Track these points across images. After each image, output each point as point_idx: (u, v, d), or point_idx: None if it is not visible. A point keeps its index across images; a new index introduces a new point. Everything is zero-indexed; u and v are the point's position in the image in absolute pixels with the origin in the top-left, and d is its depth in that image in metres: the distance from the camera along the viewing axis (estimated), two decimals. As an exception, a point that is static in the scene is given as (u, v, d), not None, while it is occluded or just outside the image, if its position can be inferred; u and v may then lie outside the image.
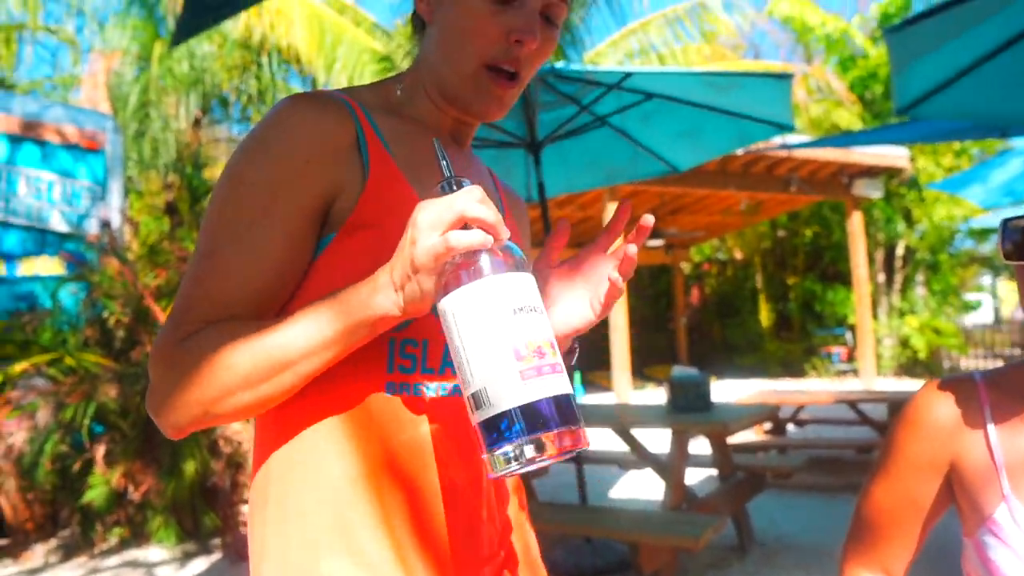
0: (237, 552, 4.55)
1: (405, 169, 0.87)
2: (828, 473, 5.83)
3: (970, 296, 17.25)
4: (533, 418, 0.65)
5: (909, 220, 14.31)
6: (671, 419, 3.76)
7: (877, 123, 14.00)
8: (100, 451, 4.77)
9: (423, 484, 0.83)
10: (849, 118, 13.54)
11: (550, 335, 0.70)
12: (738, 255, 18.15)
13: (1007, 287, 21.74)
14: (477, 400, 0.68)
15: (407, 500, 0.83)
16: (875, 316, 14.02)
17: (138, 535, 4.90)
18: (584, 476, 4.05)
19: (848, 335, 14.52)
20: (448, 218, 0.68)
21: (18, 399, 4.80)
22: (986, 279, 21.47)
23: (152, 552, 4.73)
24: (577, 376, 12.34)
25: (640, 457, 4.01)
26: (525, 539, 1.03)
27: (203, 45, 9.54)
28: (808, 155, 10.05)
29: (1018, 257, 0.92)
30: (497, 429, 0.66)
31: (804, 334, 15.53)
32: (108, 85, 10.76)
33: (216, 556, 4.63)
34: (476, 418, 0.68)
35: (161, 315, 5.11)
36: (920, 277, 14.82)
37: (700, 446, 5.23)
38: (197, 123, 10.57)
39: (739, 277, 17.84)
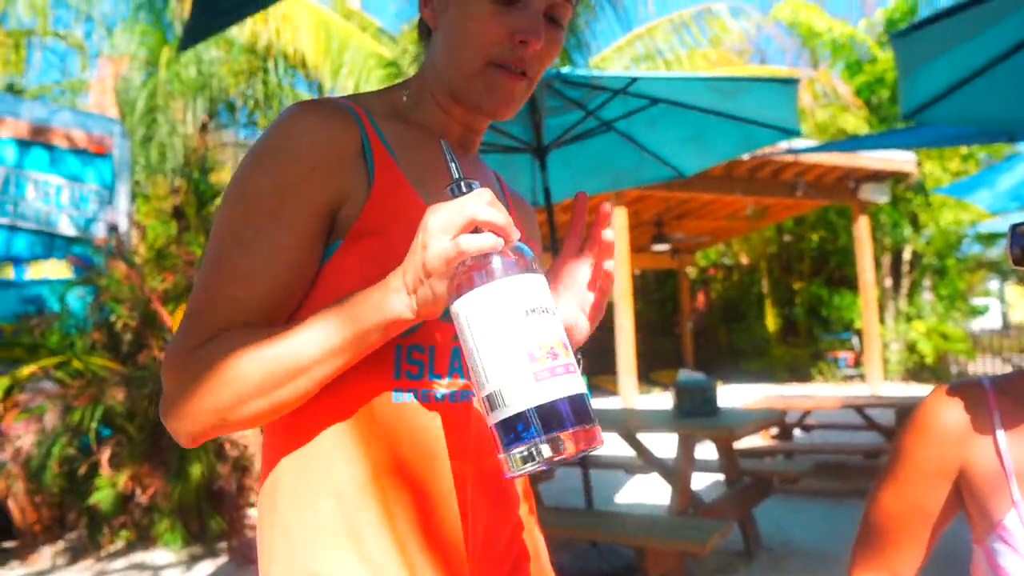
0: (243, 555, 4.55)
1: (410, 176, 0.87)
2: (835, 478, 5.81)
3: (977, 301, 17.19)
4: (548, 418, 0.66)
5: (916, 225, 14.27)
6: (677, 424, 3.75)
7: (883, 128, 13.98)
8: (107, 454, 4.78)
9: (431, 489, 0.84)
10: (855, 123, 13.52)
11: (563, 335, 0.70)
12: (744, 260, 18.12)
13: (1015, 292, 21.66)
14: (492, 401, 0.68)
15: (414, 505, 0.83)
16: (882, 321, 13.97)
17: (145, 538, 4.91)
18: (590, 480, 4.04)
19: (855, 340, 14.48)
20: (459, 222, 0.69)
21: (26, 402, 4.82)
22: (993, 284, 21.39)
23: (158, 555, 4.74)
24: (583, 380, 12.27)
25: (646, 462, 4.01)
26: (535, 544, 1.03)
27: (210, 50, 9.57)
28: (814, 160, 10.03)
29: (1027, 262, 0.92)
30: (513, 430, 0.67)
31: (811, 339, 15.49)
32: (116, 90, 10.82)
33: (222, 559, 4.63)
34: (492, 419, 0.69)
35: (168, 319, 5.13)
36: (927, 282, 14.77)
37: (706, 451, 5.22)
38: (204, 128, 10.61)
39: (745, 282, 17.82)
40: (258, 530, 0.88)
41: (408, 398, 0.83)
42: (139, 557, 4.72)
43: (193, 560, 4.64)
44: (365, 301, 0.75)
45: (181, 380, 0.78)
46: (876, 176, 11.32)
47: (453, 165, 0.75)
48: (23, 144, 5.93)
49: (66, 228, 6.06)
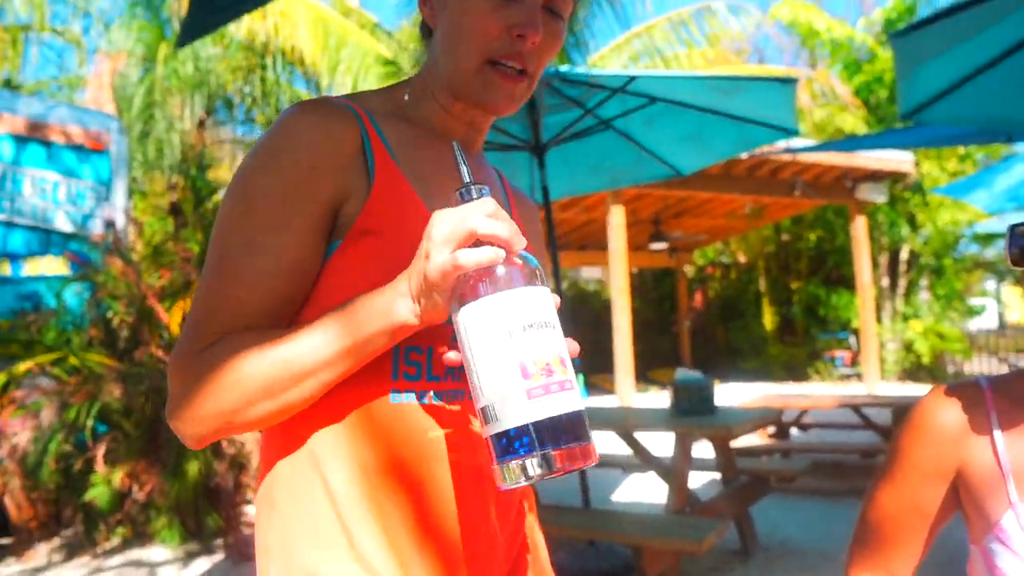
0: (240, 552, 4.55)
1: (410, 176, 0.87)
2: (832, 477, 5.82)
3: (974, 301, 17.21)
4: (539, 436, 0.66)
5: (913, 224, 14.28)
6: (674, 422, 3.75)
7: (881, 127, 13.98)
8: (102, 451, 4.77)
9: (427, 489, 0.84)
10: (853, 122, 13.52)
11: (560, 350, 0.70)
12: (742, 259, 18.13)
13: (1011, 292, 21.71)
14: (486, 414, 0.69)
15: (411, 505, 0.83)
16: (879, 320, 13.99)
17: (141, 535, 4.91)
18: (587, 479, 4.04)
19: (852, 339, 14.50)
20: (459, 235, 0.69)
21: (22, 398, 4.82)
22: (990, 284, 21.43)
23: (155, 552, 4.74)
24: (580, 379, 12.28)
25: (643, 460, 4.01)
26: (534, 543, 1.03)
27: (208, 47, 9.56)
28: (812, 159, 10.04)
29: (1026, 263, 0.92)
30: (505, 444, 0.67)
31: (808, 338, 15.51)
32: (113, 86, 10.79)
33: (219, 556, 4.63)
34: (486, 432, 0.69)
35: (165, 315, 5.12)
36: (924, 282, 14.79)
37: (703, 450, 5.22)
38: (201, 124, 10.59)
39: (743, 281, 17.82)
40: (256, 529, 0.88)
41: (406, 399, 0.83)
42: (135, 554, 4.71)
43: (190, 557, 4.64)
44: (372, 305, 0.75)
45: (187, 383, 0.78)
46: (874, 176, 11.33)
47: (464, 168, 0.75)
48: (20, 140, 5.91)
49: (63, 224, 6.05)
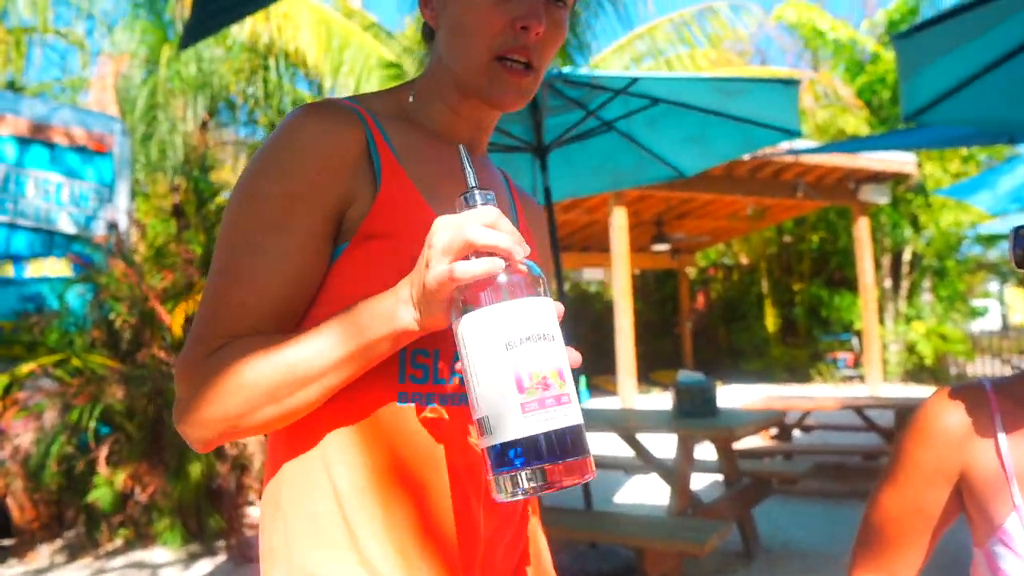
0: (242, 554, 4.55)
1: (416, 178, 0.87)
2: (834, 479, 5.82)
3: (977, 302, 17.19)
4: (534, 451, 0.65)
5: (916, 226, 14.27)
6: (677, 424, 3.75)
7: (884, 129, 13.97)
8: (104, 452, 4.78)
9: (432, 493, 0.84)
10: (856, 123, 13.51)
11: (559, 363, 0.68)
12: (744, 260, 18.12)
13: (1014, 293, 21.67)
14: (482, 426, 0.68)
15: (415, 508, 0.83)
16: (881, 322, 13.97)
17: (143, 536, 4.91)
18: (589, 481, 4.04)
19: (854, 341, 14.48)
20: (456, 245, 0.68)
21: (25, 400, 4.82)
22: (993, 285, 21.41)
23: (157, 553, 4.74)
24: (582, 380, 12.31)
25: (645, 462, 4.01)
26: (537, 547, 1.02)
27: (211, 49, 9.57)
28: (815, 160, 10.03)
29: (1030, 265, 0.91)
30: (500, 457, 0.66)
31: (810, 340, 15.49)
32: (116, 88, 10.82)
33: (221, 558, 4.63)
34: (481, 443, 0.69)
35: (167, 317, 5.12)
36: (927, 283, 14.77)
37: (705, 451, 5.22)
38: (204, 126, 10.61)
39: (745, 282, 17.81)
40: (260, 531, 0.88)
41: (412, 402, 0.83)
42: (138, 555, 4.72)
43: (192, 558, 4.64)
44: (375, 310, 0.75)
45: (193, 387, 0.78)
46: (876, 177, 11.32)
47: (469, 172, 0.74)
48: (23, 142, 5.92)
49: (66, 226, 6.06)
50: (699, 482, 5.52)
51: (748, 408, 5.64)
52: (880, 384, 11.42)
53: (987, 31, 2.79)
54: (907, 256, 14.57)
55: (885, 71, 14.11)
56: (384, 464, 0.82)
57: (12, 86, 11.95)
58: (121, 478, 4.72)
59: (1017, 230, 0.92)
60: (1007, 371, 13.85)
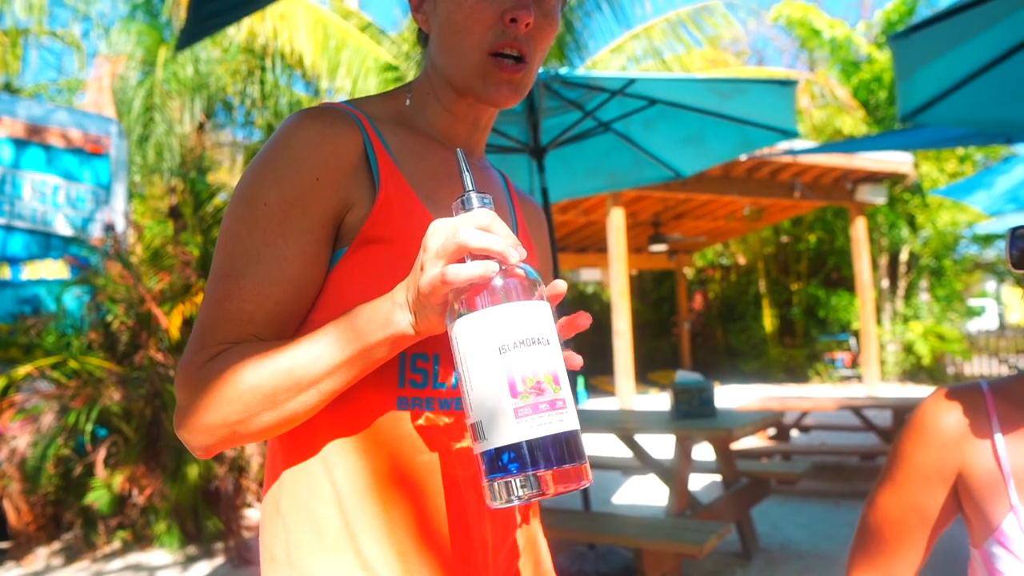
0: (240, 556, 4.55)
1: (414, 182, 0.87)
2: (832, 479, 5.82)
3: (974, 302, 17.22)
4: (527, 457, 0.64)
5: (913, 226, 14.29)
6: (675, 425, 3.75)
7: (880, 129, 14.00)
8: (103, 455, 4.77)
9: (432, 497, 0.84)
10: (852, 123, 13.54)
11: (554, 368, 0.67)
12: (741, 260, 18.14)
13: (1011, 293, 21.70)
14: (475, 431, 0.67)
15: (415, 512, 0.83)
16: (879, 322, 13.99)
17: (141, 539, 4.90)
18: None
19: (852, 341, 14.50)
20: (449, 250, 0.67)
21: (22, 402, 4.81)
22: (990, 285, 21.44)
23: (155, 556, 4.73)
24: (580, 381, 12.31)
25: (643, 463, 4.00)
26: (537, 552, 1.03)
27: (207, 50, 9.56)
28: (812, 160, 10.04)
29: (1026, 266, 0.92)
30: (493, 463, 0.66)
31: (808, 340, 15.51)
32: (113, 89, 10.79)
33: (219, 560, 4.63)
34: (475, 448, 0.68)
35: (164, 319, 5.12)
36: (924, 283, 14.80)
37: (704, 452, 5.22)
38: (201, 127, 10.60)
39: (742, 282, 17.83)
40: (261, 536, 0.88)
41: (412, 407, 0.83)
42: (135, 558, 4.71)
43: (189, 561, 4.63)
44: (372, 314, 0.75)
45: (193, 393, 0.78)
46: (873, 177, 11.34)
47: (467, 175, 0.73)
48: (19, 143, 5.92)
49: (62, 228, 6.05)
50: (697, 483, 5.53)
51: (746, 408, 5.64)
52: (878, 384, 11.43)
53: (983, 32, 2.79)
54: (904, 256, 14.59)
55: (881, 70, 14.14)
56: (384, 468, 0.82)
57: (8, 88, 11.94)
58: (119, 480, 4.71)
59: (1014, 231, 0.92)
60: (1004, 370, 13.89)
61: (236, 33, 9.41)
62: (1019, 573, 0.90)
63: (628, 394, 9.81)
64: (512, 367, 0.65)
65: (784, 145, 8.14)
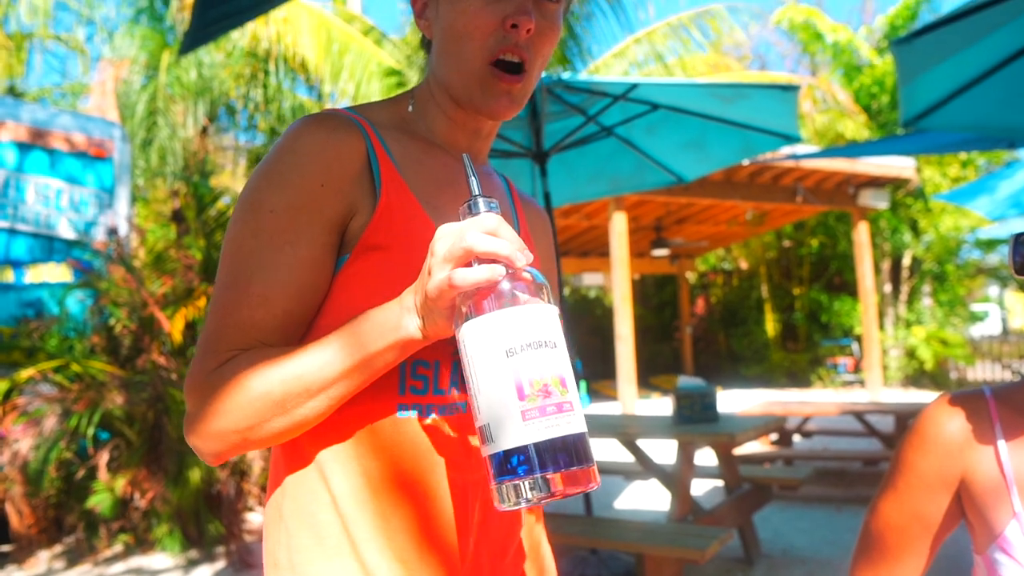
0: (241, 560, 4.54)
1: (416, 189, 0.88)
2: (835, 485, 5.81)
3: (977, 307, 17.20)
4: (536, 459, 0.65)
5: (915, 230, 14.28)
6: (677, 430, 3.75)
7: (882, 133, 13.99)
8: (105, 458, 4.77)
9: (433, 503, 0.84)
10: (855, 128, 13.54)
11: (561, 371, 0.68)
12: (743, 265, 18.12)
13: (1014, 298, 21.67)
14: (484, 434, 0.68)
15: (416, 518, 0.83)
16: (881, 327, 13.97)
17: (143, 542, 4.90)
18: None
19: (854, 346, 14.48)
20: (456, 254, 0.68)
21: (24, 405, 4.82)
22: (993, 290, 21.42)
23: (156, 559, 4.73)
24: (583, 386, 12.29)
25: (645, 468, 4.00)
26: (540, 559, 1.03)
27: (211, 54, 9.59)
28: (814, 165, 10.04)
29: (1029, 272, 0.91)
30: (502, 465, 0.66)
31: (810, 344, 15.49)
32: (116, 93, 10.83)
33: (220, 564, 4.62)
34: (484, 451, 0.68)
35: (166, 323, 5.12)
36: (927, 288, 14.78)
37: (706, 457, 5.21)
38: (204, 131, 10.63)
39: (744, 287, 17.81)
40: (264, 541, 0.89)
41: (412, 413, 0.83)
42: (137, 561, 4.71)
43: (191, 564, 4.63)
44: (380, 319, 0.75)
45: (203, 401, 0.79)
46: (875, 182, 11.33)
47: (473, 181, 0.74)
48: (23, 147, 5.93)
49: (66, 231, 6.07)
50: (699, 488, 5.51)
51: (748, 413, 5.63)
52: (880, 389, 11.41)
53: (986, 37, 2.79)
54: (907, 261, 14.58)
55: (883, 74, 14.14)
56: (385, 474, 0.82)
57: (12, 91, 11.97)
58: (120, 484, 4.71)
59: (1017, 237, 0.92)
60: (1008, 375, 13.85)
61: (240, 37, 9.44)
62: (1022, 580, 0.89)
63: (630, 399, 9.80)
64: (519, 370, 0.66)
65: (787, 150, 8.13)
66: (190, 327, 5.25)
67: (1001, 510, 0.93)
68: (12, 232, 5.82)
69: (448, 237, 0.69)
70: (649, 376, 14.69)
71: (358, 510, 0.82)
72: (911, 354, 13.86)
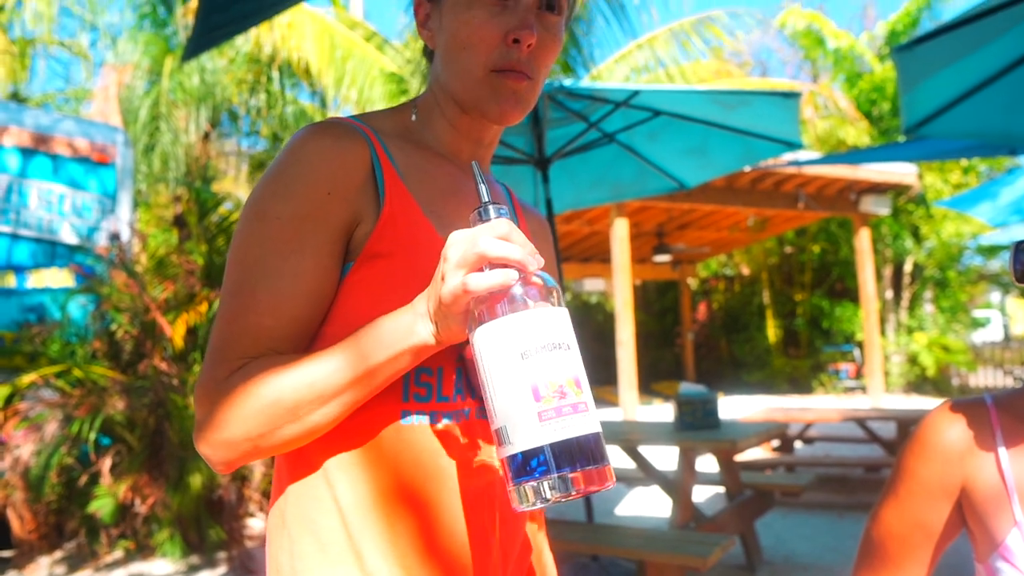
0: (243, 565, 4.54)
1: (419, 198, 0.88)
2: (836, 491, 5.79)
3: (979, 313, 17.17)
4: (553, 459, 0.66)
5: (917, 237, 14.27)
6: (678, 436, 3.74)
7: (884, 139, 14.00)
8: (107, 463, 4.77)
9: (436, 509, 0.84)
10: (856, 134, 13.54)
11: (575, 372, 0.69)
12: (745, 271, 18.12)
13: (1016, 304, 21.65)
14: (500, 437, 0.69)
15: (419, 525, 0.83)
16: (883, 333, 13.95)
17: (143, 548, 4.90)
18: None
19: (856, 352, 14.46)
20: (469, 259, 0.69)
21: (26, 411, 4.82)
22: (995, 296, 21.39)
23: (157, 565, 4.72)
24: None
25: (647, 474, 4.00)
26: (543, 567, 1.03)
27: (214, 59, 9.62)
28: (815, 171, 10.04)
29: (1030, 280, 0.91)
30: (519, 466, 0.67)
31: (812, 351, 15.47)
32: (119, 98, 10.86)
33: (222, 570, 4.62)
34: (499, 453, 0.69)
35: (168, 328, 5.13)
36: (928, 294, 14.76)
37: (707, 463, 5.20)
38: (206, 136, 10.65)
39: (746, 293, 17.80)
40: (267, 549, 0.89)
41: (416, 420, 0.83)
42: (138, 567, 4.70)
43: (192, 570, 4.62)
44: (393, 326, 0.76)
45: (214, 409, 0.79)
46: (877, 188, 11.33)
47: (482, 188, 0.75)
48: (26, 152, 5.94)
49: (68, 236, 6.07)
50: (701, 494, 5.51)
51: (750, 420, 5.62)
52: (882, 395, 11.39)
53: (987, 44, 2.80)
54: (908, 267, 14.57)
55: (884, 80, 14.15)
56: (388, 481, 0.83)
57: (15, 97, 12.01)
58: (122, 489, 4.71)
59: (1018, 244, 0.92)
60: (1009, 382, 13.83)
61: (243, 43, 9.47)
62: (1024, 589, 0.89)
63: (631, 405, 9.79)
64: (535, 372, 0.67)
65: (788, 156, 8.14)
66: (192, 332, 5.25)
67: (1002, 518, 0.93)
68: (14, 237, 5.83)
69: (461, 243, 0.70)
70: (650, 382, 14.67)
71: (362, 517, 0.82)
72: (913, 360, 13.84)
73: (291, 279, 0.81)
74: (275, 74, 10.11)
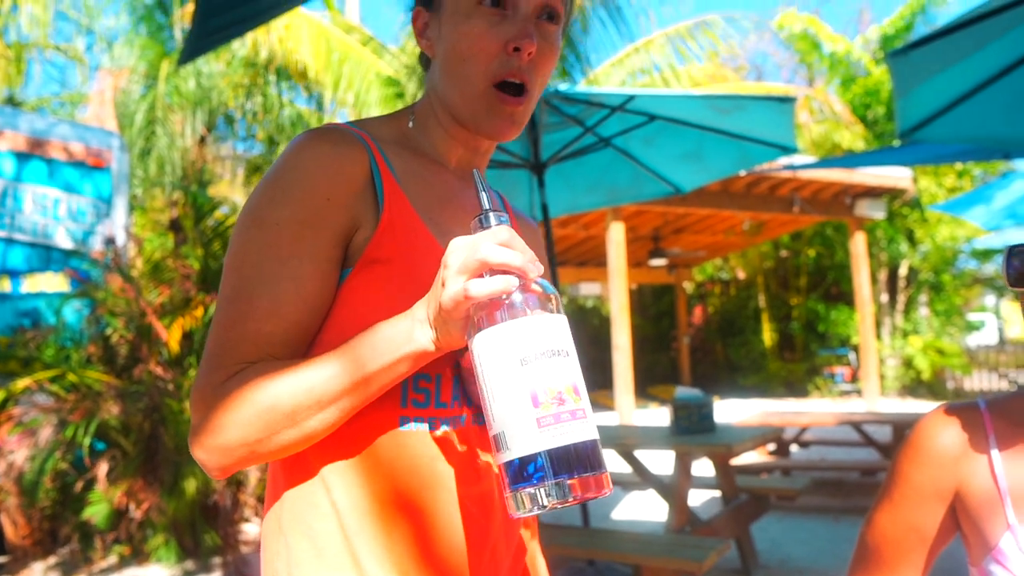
0: (238, 571, 4.53)
1: (417, 205, 0.89)
2: (832, 495, 5.80)
3: (973, 316, 17.23)
4: (551, 465, 0.66)
5: (912, 240, 14.32)
6: (674, 441, 3.74)
7: (879, 143, 14.05)
8: (102, 468, 4.76)
9: (433, 515, 0.84)
10: (851, 138, 13.59)
11: (574, 379, 0.69)
12: (741, 275, 18.16)
13: (1010, 308, 21.70)
14: (498, 442, 0.69)
15: (416, 531, 0.83)
16: (878, 336, 13.98)
17: (138, 553, 4.88)
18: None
19: (851, 355, 14.49)
20: (471, 265, 0.69)
21: (20, 416, 4.80)
22: (990, 299, 21.46)
23: (152, 571, 4.71)
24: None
25: (643, 479, 3.99)
26: (536, 568, 1.03)
27: (210, 63, 9.61)
28: (811, 175, 10.08)
29: None
30: (516, 472, 0.67)
31: (807, 354, 15.50)
32: (115, 103, 10.84)
33: (216, 575, 4.60)
34: (497, 459, 0.69)
35: (164, 332, 5.11)
36: (923, 297, 14.81)
37: (703, 467, 5.21)
38: (202, 140, 10.63)
39: (742, 297, 17.84)
40: (262, 552, 0.89)
41: (414, 427, 0.83)
42: (132, 573, 4.69)
43: (187, 576, 4.61)
44: (392, 332, 0.76)
45: (210, 414, 0.79)
46: (872, 192, 11.37)
47: (483, 195, 0.75)
48: (21, 156, 5.93)
49: (63, 241, 6.06)
50: (697, 498, 5.51)
51: (745, 424, 5.63)
52: (877, 399, 11.41)
53: (981, 49, 2.81)
54: (903, 271, 14.61)
55: (878, 83, 14.21)
56: (385, 487, 0.83)
57: (11, 101, 11.99)
58: (116, 494, 4.69)
59: (1011, 249, 0.92)
60: (1004, 385, 13.87)
61: (239, 46, 9.47)
62: (1017, 593, 0.90)
63: (627, 409, 9.79)
64: (534, 378, 0.67)
65: (783, 160, 8.17)
66: (187, 337, 5.24)
67: (995, 522, 0.93)
68: (9, 241, 5.82)
69: (462, 250, 0.70)
70: (646, 386, 14.67)
71: (358, 522, 0.82)
72: (908, 364, 13.87)
73: (289, 285, 0.81)
74: (272, 78, 10.11)
